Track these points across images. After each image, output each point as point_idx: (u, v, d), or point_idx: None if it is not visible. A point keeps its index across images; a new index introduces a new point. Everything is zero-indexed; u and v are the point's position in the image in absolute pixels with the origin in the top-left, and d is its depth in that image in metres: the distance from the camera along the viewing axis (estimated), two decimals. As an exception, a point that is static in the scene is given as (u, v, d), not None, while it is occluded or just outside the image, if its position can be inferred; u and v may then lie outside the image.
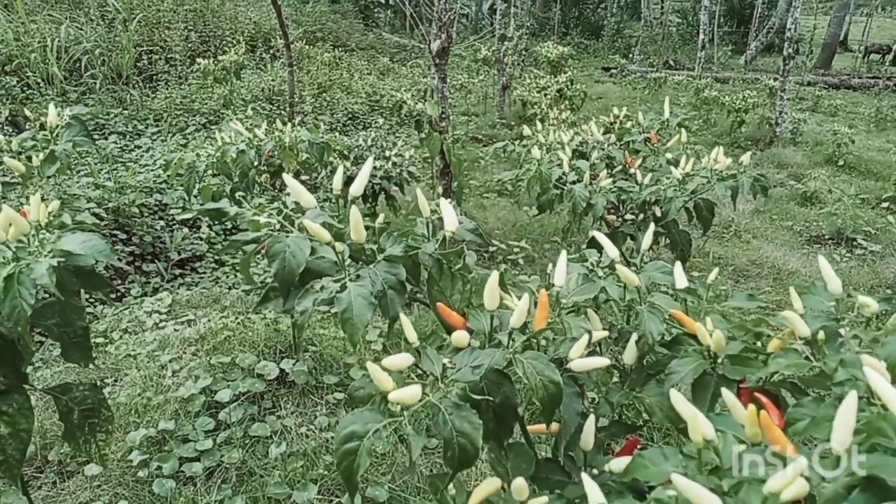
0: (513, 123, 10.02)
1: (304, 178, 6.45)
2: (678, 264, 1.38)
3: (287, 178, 1.08)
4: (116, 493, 2.52)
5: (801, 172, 8.92)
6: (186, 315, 4.14)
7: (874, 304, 1.08)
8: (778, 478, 0.71)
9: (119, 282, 5.06)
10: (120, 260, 5.17)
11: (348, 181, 3.47)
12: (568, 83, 8.56)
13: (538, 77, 8.90)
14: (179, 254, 5.57)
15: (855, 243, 6.84)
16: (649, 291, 1.38)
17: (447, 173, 5.89)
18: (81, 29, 8.77)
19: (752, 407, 0.97)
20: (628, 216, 2.69)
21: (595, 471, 1.09)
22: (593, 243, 2.82)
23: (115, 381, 3.40)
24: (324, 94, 9.84)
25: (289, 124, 2.91)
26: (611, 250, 1.47)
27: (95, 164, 6.56)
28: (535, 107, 7.72)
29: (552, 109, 6.60)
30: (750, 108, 9.64)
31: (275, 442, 2.79)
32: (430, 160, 7.42)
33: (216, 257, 5.77)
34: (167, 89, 8.74)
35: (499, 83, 10.26)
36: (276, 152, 2.77)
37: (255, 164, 2.77)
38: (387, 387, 0.87)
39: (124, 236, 5.36)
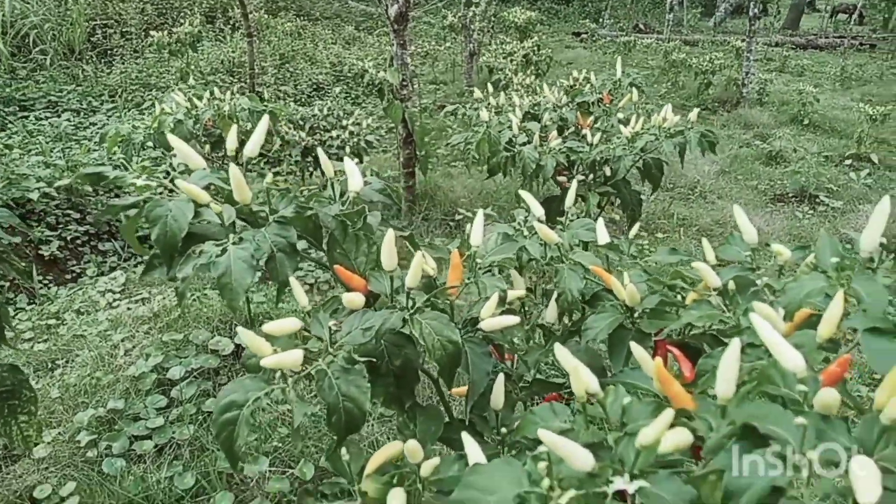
0: (483, 92, 9.90)
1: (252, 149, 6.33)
2: (600, 221, 1.35)
3: (171, 137, 1.02)
4: (65, 475, 2.47)
5: (766, 132, 8.96)
6: (140, 293, 4.05)
7: (787, 252, 1.05)
8: (648, 429, 0.68)
9: (74, 262, 4.94)
10: (73, 241, 5.04)
11: (306, 151, 3.37)
12: (534, 48, 8.43)
13: (505, 43, 8.76)
14: (136, 231, 5.45)
15: (817, 200, 6.91)
16: (572, 249, 1.35)
17: (410, 142, 5.79)
18: (27, 2, 8.41)
19: (657, 360, 0.94)
20: (579, 177, 2.65)
21: (504, 430, 1.07)
22: (544, 205, 2.80)
23: (67, 361, 3.33)
24: (286, 65, 9.59)
25: (228, 92, 2.80)
26: (536, 208, 1.43)
27: (47, 142, 6.35)
28: (501, 73, 7.61)
29: (516, 75, 6.50)
30: (717, 69, 9.62)
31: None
32: (395, 129, 7.31)
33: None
34: (122, 64, 8.46)
35: (466, 50, 10.09)
36: (215, 121, 2.67)
37: (196, 134, 2.67)
38: (264, 352, 0.82)
39: (78, 215, 5.22)
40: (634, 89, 2.91)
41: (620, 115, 2.88)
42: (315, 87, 9.55)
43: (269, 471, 2.47)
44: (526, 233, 1.42)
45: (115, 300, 4.03)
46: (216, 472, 2.42)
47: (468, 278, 1.20)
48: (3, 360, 1.89)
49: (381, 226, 1.12)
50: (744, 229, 1.12)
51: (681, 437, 0.72)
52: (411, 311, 0.97)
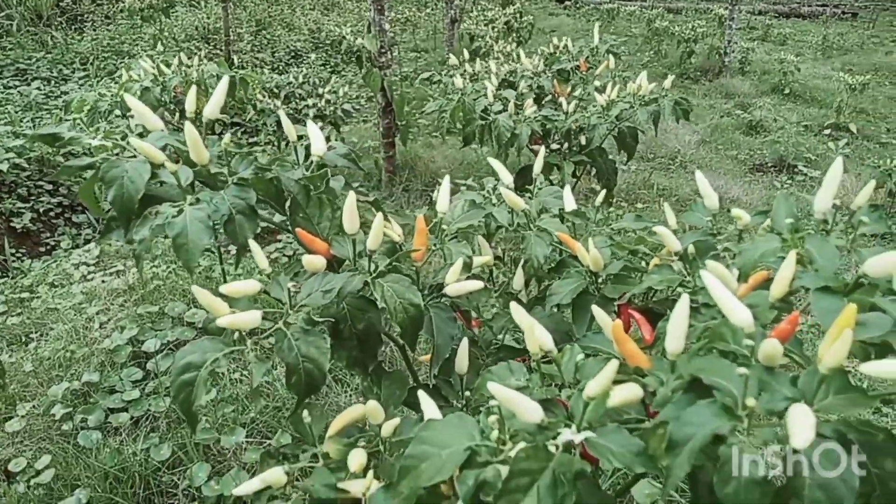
0: (464, 59, 9.79)
1: (227, 119, 6.20)
2: (567, 188, 1.35)
3: (129, 98, 1.00)
4: (40, 448, 2.46)
5: (747, 102, 8.98)
6: (115, 266, 4.01)
7: (747, 217, 1.06)
8: (593, 382, 0.69)
9: (48, 234, 4.86)
10: (46, 213, 4.95)
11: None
12: (516, 15, 8.33)
13: (487, 10, 8.63)
14: (94, 193, 5.36)
15: (796, 170, 6.97)
16: (540, 216, 1.35)
17: (389, 112, 5.73)
18: (-9, -35, 8.11)
19: (616, 323, 0.95)
20: (554, 146, 2.65)
21: (469, 393, 1.08)
22: (520, 174, 2.79)
23: (41, 335, 3.29)
24: (263, 32, 9.39)
25: (195, 59, 2.73)
26: (504, 176, 1.42)
27: (17, 112, 6.19)
28: (482, 40, 7.51)
29: (497, 43, 6.42)
30: (699, 37, 9.57)
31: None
32: (374, 98, 7.21)
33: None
34: (94, 30, 8.23)
35: (447, 16, 9.93)
36: (184, 89, 2.61)
37: (163, 102, 2.61)
38: (220, 312, 0.82)
39: (50, 187, 5.12)
40: (611, 56, 2.89)
41: (597, 83, 2.86)
42: (293, 54, 9.38)
43: (246, 441, 2.49)
44: (495, 200, 1.41)
45: (89, 273, 3.98)
46: (193, 444, 2.42)
47: (434, 244, 1.20)
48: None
49: (344, 190, 1.12)
50: (705, 195, 1.13)
51: (630, 392, 0.73)
52: (373, 275, 0.97)
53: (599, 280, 1.22)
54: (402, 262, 1.06)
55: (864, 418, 0.62)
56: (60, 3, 8.36)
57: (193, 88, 1.07)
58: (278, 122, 4.17)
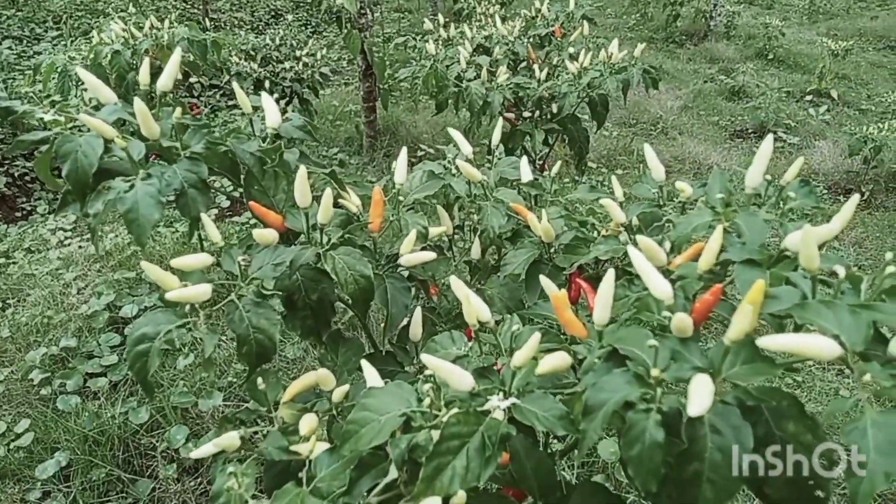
0: (447, 20, 9.63)
1: (206, 81, 6.08)
2: (524, 160, 1.37)
3: (81, 71, 1.00)
4: (19, 413, 2.50)
5: (731, 67, 8.95)
6: (94, 231, 3.99)
7: (689, 189, 1.10)
8: (519, 352, 0.73)
9: (24, 199, 4.82)
10: (22, 177, 4.89)
11: (258, 84, 3.25)
12: (499, -24, 8.17)
13: (469, -31, 8.44)
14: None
15: (776, 136, 7.02)
16: (498, 187, 1.38)
17: (370, 75, 5.66)
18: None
19: (556, 293, 0.99)
20: (526, 113, 2.66)
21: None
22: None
23: (17, 300, 3.30)
24: (243, -9, 9.17)
25: (166, 21, 2.69)
26: (464, 146, 1.44)
27: (-13, 73, 6.05)
28: (466, 1, 7.39)
29: (480, 4, 6.32)
30: (685, 0, 9.48)
31: (182, 354, 2.78)
32: (354, 61, 7.10)
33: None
34: (65, -13, 7.98)
35: (430, -23, 9.72)
36: (155, 52, 2.58)
37: (134, 66, 2.58)
38: (170, 285, 0.85)
39: (25, 151, 5.05)
40: (585, 23, 2.88)
41: (571, 50, 2.86)
42: (273, 13, 9.18)
43: (224, 404, 2.54)
44: (454, 171, 1.44)
45: (66, 238, 3.97)
46: (171, 407, 2.48)
47: (391, 215, 1.23)
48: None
49: (300, 161, 1.13)
50: (652, 166, 1.16)
51: (559, 360, 0.77)
52: (326, 248, 1.00)
53: (552, 250, 1.26)
54: (356, 233, 1.09)
55: (773, 386, 0.67)
56: (30, -41, 8.08)
57: (146, 62, 1.08)
58: (255, 84, 4.12)
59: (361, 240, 1.14)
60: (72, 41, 6.86)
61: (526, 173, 1.36)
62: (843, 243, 5.12)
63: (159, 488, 2.21)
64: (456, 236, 1.46)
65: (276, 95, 4.26)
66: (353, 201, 1.21)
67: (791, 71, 9.23)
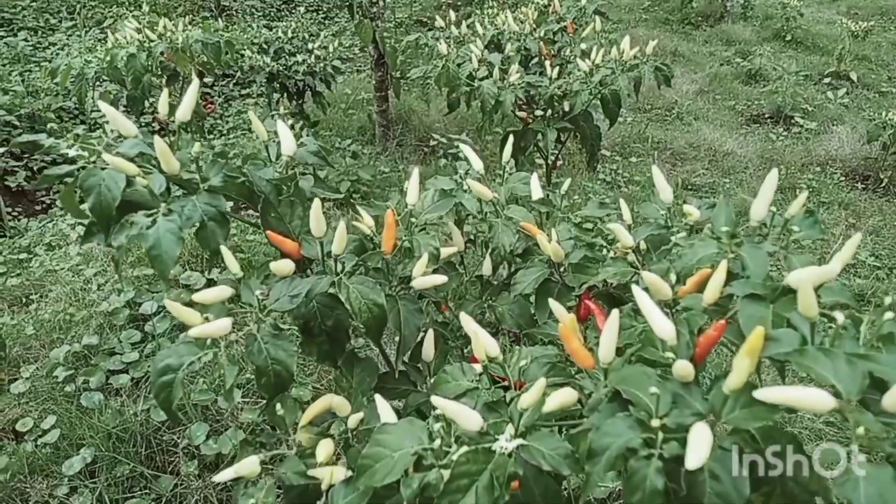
0: (459, 3, 9.54)
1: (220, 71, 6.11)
2: (534, 176, 1.39)
3: (102, 104, 1.03)
4: (45, 409, 2.58)
5: (748, 49, 8.81)
6: (112, 226, 4.07)
7: (696, 213, 1.11)
8: (526, 395, 0.76)
9: (43, 192, 4.90)
10: (42, 171, 4.97)
11: (272, 77, 3.27)
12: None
13: (481, -48, 8.35)
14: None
15: (793, 121, 6.92)
16: (509, 204, 1.40)
17: (382, 64, 5.66)
18: None
19: (567, 321, 1.02)
20: (538, 111, 2.66)
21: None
22: (505, 139, 2.81)
23: (40, 296, 3.39)
24: (255, -23, 9.13)
25: (180, 23, 2.71)
26: (475, 162, 1.46)
27: (4, 65, 6.12)
28: (477, -13, 7.34)
29: (492, -11, 6.28)
30: (701, -19, 9.31)
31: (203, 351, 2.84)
32: (366, 49, 7.08)
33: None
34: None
35: (442, -41, 9.62)
36: (170, 54, 2.61)
37: (150, 68, 2.61)
38: (192, 322, 0.89)
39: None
40: (597, 17, 2.86)
41: (583, 46, 2.85)
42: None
43: (243, 402, 2.61)
44: (466, 186, 1.46)
45: (86, 233, 4.04)
46: (191, 404, 2.54)
47: (403, 236, 1.26)
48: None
49: (314, 187, 1.16)
50: (660, 188, 1.17)
51: (566, 397, 0.80)
52: (340, 276, 1.03)
53: (562, 269, 1.28)
54: (370, 259, 1.12)
55: (773, 425, 0.69)
56: (43, -52, 8.10)
57: (165, 93, 1.10)
58: (268, 78, 4.14)
59: (374, 262, 1.17)
60: (86, 31, 6.91)
61: (536, 190, 1.38)
62: (861, 232, 5.09)
63: (181, 484, 2.29)
64: (468, 250, 1.48)
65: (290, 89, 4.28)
66: (366, 223, 1.24)
67: (809, 53, 9.06)
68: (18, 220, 4.53)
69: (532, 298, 1.31)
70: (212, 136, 5.80)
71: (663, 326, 0.78)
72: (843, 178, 5.77)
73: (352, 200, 1.32)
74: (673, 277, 0.94)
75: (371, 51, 5.62)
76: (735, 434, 0.70)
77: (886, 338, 0.71)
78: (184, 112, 1.10)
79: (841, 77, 8.08)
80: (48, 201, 4.85)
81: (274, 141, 1.19)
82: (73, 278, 3.43)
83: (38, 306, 3.29)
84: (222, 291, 0.94)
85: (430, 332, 1.16)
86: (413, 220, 1.26)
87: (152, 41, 2.67)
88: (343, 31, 8.34)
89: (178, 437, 2.45)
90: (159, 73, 2.66)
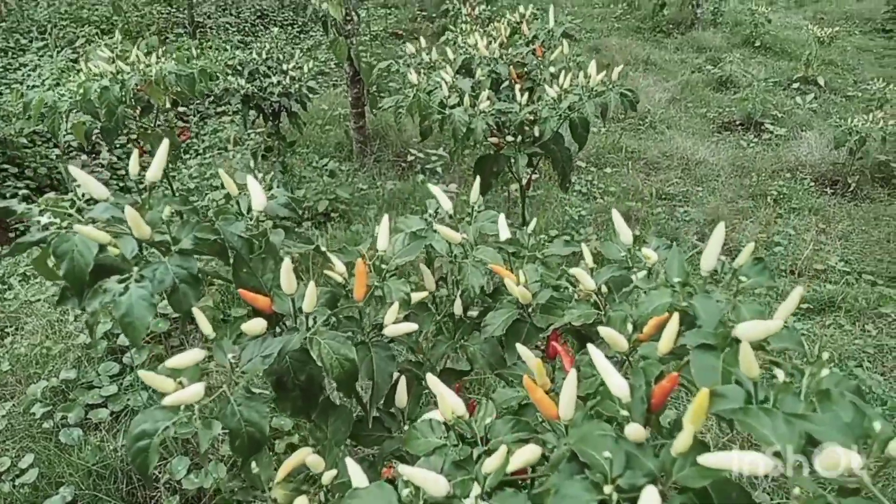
0: (434, 15, 9.61)
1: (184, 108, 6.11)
2: (501, 217, 1.43)
3: (73, 169, 1.05)
4: (23, 447, 2.56)
5: (719, 56, 8.98)
6: (88, 253, 4.04)
7: (654, 256, 1.16)
8: (489, 461, 0.80)
9: (16, 221, 4.85)
10: (15, 197, 4.91)
11: (246, 99, 3.29)
12: (484, -28, 8.15)
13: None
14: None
15: (763, 127, 7.07)
16: (477, 245, 1.43)
17: (358, 81, 5.69)
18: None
19: (536, 364, 1.06)
20: (509, 137, 2.71)
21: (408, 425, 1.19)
22: (478, 164, 2.86)
23: (16, 329, 3.36)
24: (227, -8, 9.13)
25: (153, 55, 2.72)
26: (444, 203, 1.50)
27: (-25, 89, 6.04)
28: (450, 1, 7.40)
29: (465, 4, 6.34)
30: (671, -11, 9.48)
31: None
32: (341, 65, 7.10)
33: (119, 184, 5.55)
34: (49, -5, 7.95)
35: (416, -28, 9.69)
36: (143, 87, 2.61)
37: (123, 100, 2.62)
38: (166, 389, 0.91)
39: (16, 170, 5.07)
40: (565, 41, 2.92)
41: (552, 69, 2.90)
42: (259, 14, 9.14)
43: (222, 432, 2.60)
44: (436, 226, 1.49)
45: (61, 261, 4.01)
46: (171, 438, 2.54)
47: (375, 282, 1.28)
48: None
49: (285, 239, 1.19)
50: (620, 231, 1.22)
51: (529, 455, 0.84)
52: (311, 332, 1.06)
53: (530, 309, 1.32)
54: (341, 307, 1.15)
55: (723, 477, 0.73)
56: (11, -32, 8.02)
57: (135, 154, 1.13)
58: (243, 100, 4.15)
59: (346, 311, 1.20)
60: (58, 51, 6.85)
61: (504, 231, 1.42)
62: (830, 237, 5.19)
63: (163, 520, 2.29)
64: (439, 288, 1.52)
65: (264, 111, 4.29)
66: (338, 270, 1.27)
67: (778, 58, 9.27)
68: (-9, 248, 4.47)
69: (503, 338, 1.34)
70: (187, 157, 5.79)
71: (618, 384, 0.82)
72: (812, 184, 5.90)
73: (322, 251, 1.33)
74: (630, 327, 0.98)
75: (346, 68, 5.65)
76: (684, 493, 0.74)
77: (823, 394, 0.75)
78: (154, 173, 1.12)
79: (809, 82, 8.27)
80: (22, 228, 4.79)
81: (244, 194, 1.22)
82: (48, 310, 3.41)
83: (14, 339, 3.26)
84: (195, 356, 0.96)
85: (403, 380, 1.20)
86: (384, 265, 1.29)
87: (126, 73, 2.68)
88: (318, 45, 8.36)
89: (160, 472, 2.45)
90: (133, 104, 2.67)
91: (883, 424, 0.70)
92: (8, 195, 4.83)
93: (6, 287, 3.77)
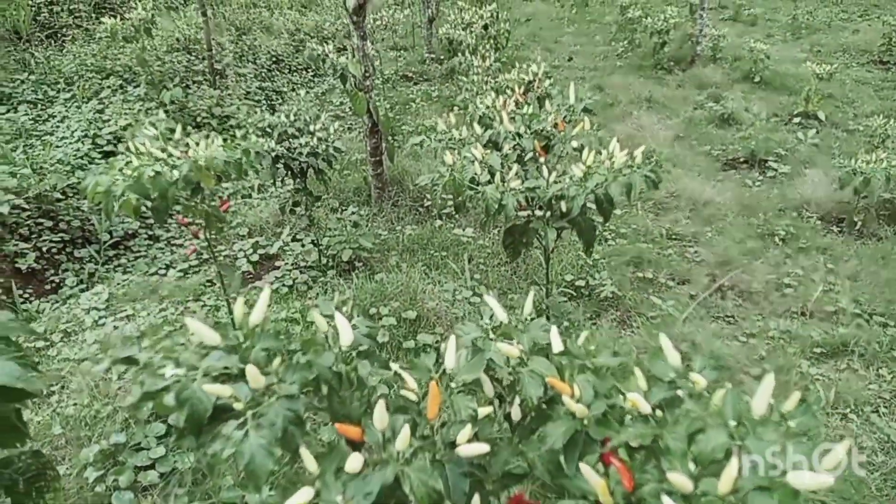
0: (442, 57, 9.87)
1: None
2: (554, 329, 1.58)
3: (189, 321, 1.21)
4: (78, 511, 2.70)
5: (720, 92, 9.18)
6: (125, 310, 4.19)
7: (703, 381, 1.30)
8: None
9: (52, 272, 5.01)
10: (49, 251, 5.08)
11: (276, 159, 3.48)
12: (493, 18, 8.42)
13: (464, 10, 8.71)
14: (111, 235, 5.51)
15: (766, 165, 7.24)
16: (531, 354, 1.57)
17: (376, 132, 5.90)
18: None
19: (601, 484, 1.20)
20: (538, 212, 2.87)
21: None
22: (508, 233, 3.02)
23: (62, 387, 3.50)
24: (243, 38, 9.39)
25: (203, 142, 2.90)
26: (499, 313, 1.65)
27: (6, 140, 6.25)
28: (460, 46, 7.65)
29: (476, 56, 6.56)
30: (671, 28, 9.73)
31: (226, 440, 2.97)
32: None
33: (149, 233, 5.72)
34: (74, 46, 8.19)
35: (425, 15, 9.98)
36: (195, 174, 2.79)
37: (174, 182, 2.79)
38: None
39: (51, 223, 5.25)
40: (587, 118, 3.10)
41: (575, 143, 3.07)
42: (274, 59, 9.40)
43: (270, 495, 2.73)
44: (492, 335, 1.63)
45: (100, 318, 4.16)
46: (220, 501, 2.67)
47: (444, 398, 1.43)
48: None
49: (371, 371, 1.34)
50: (668, 354, 1.36)
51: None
52: (400, 464, 1.20)
53: (585, 421, 1.46)
54: (419, 424, 1.29)
55: None
56: (38, 18, 8.29)
57: (240, 301, 1.28)
58: (273, 161, 4.33)
59: (421, 430, 1.34)
60: (85, 101, 7.07)
61: (556, 343, 1.56)
62: (839, 277, 5.31)
63: (219, 586, 2.41)
64: (496, 392, 1.66)
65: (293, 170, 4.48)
66: (411, 388, 1.41)
67: (778, 93, 9.47)
68: (30, 301, 4.63)
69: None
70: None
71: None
72: (819, 222, 6.05)
73: (398, 371, 1.47)
74: (692, 465, 1.12)
75: (365, 120, 5.85)
76: None
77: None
78: (257, 315, 1.27)
79: (809, 116, 8.46)
80: (56, 280, 4.95)
81: (331, 325, 1.37)
82: (92, 367, 3.55)
83: (60, 398, 3.40)
84: (305, 495, 1.11)
85: (476, 497, 1.33)
86: (451, 385, 1.43)
87: (175, 158, 2.85)
88: (332, 89, 8.59)
89: (211, 537, 2.57)
90: (182, 185, 2.84)
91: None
92: (44, 248, 5.00)
93: (48, 344, 3.92)
